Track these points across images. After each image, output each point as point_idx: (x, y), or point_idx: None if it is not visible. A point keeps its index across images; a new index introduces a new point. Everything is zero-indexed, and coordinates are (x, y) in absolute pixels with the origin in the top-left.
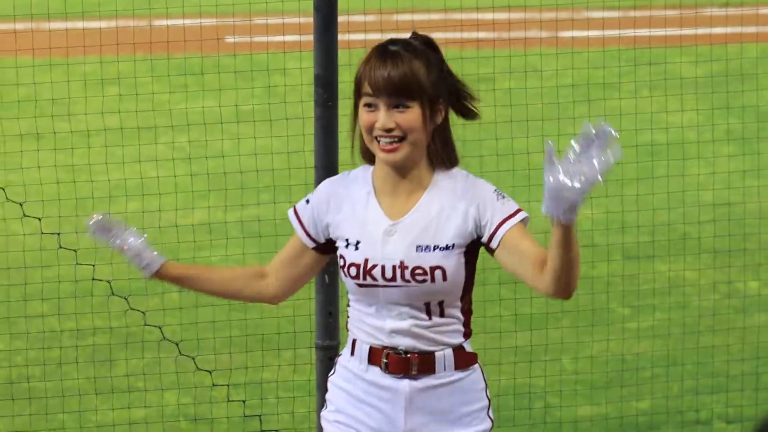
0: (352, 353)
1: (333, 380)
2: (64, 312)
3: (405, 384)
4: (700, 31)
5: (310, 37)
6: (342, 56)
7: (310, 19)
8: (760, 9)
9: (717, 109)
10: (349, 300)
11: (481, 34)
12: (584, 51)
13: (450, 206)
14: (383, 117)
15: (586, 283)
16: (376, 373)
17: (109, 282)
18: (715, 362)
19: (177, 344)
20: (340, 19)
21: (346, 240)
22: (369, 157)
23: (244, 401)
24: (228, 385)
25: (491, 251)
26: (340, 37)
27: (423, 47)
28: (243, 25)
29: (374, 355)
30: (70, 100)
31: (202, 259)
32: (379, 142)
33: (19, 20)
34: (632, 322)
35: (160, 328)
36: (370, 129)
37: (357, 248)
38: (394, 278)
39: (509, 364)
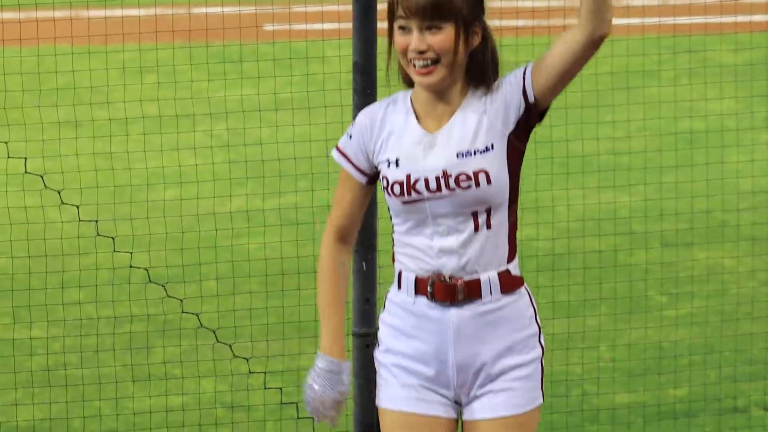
0: (399, 286)
1: (383, 318)
2: (102, 299)
3: (452, 313)
4: (740, 18)
5: (349, 25)
6: (381, 44)
7: (349, 7)
8: None
9: (756, 97)
10: (393, 228)
11: (520, 22)
12: (624, 38)
13: (481, 113)
14: (416, 39)
15: (624, 271)
16: (422, 304)
17: (146, 269)
18: (753, 349)
19: (214, 332)
20: (380, 7)
21: (387, 160)
22: (409, 81)
23: (281, 389)
24: (265, 373)
25: (542, 92)
26: (379, 25)
27: None
28: (282, 13)
29: (420, 285)
30: (108, 87)
31: (240, 247)
32: (414, 65)
33: (58, 8)
34: (670, 310)
35: (197, 316)
36: (405, 52)
37: (398, 165)
38: (439, 189)
39: (547, 351)
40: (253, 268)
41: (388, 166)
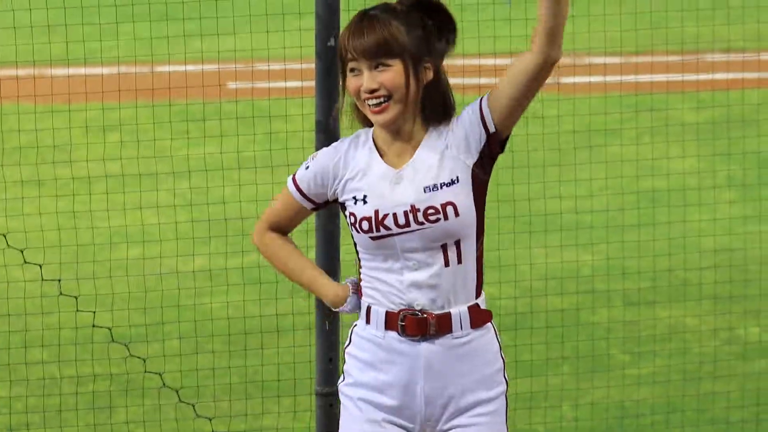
0: (368, 321)
1: (349, 351)
2: (65, 359)
3: (423, 347)
4: (702, 76)
5: (312, 83)
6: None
7: (312, 65)
8: (761, 55)
9: (718, 156)
10: (360, 263)
11: (483, 80)
12: (586, 97)
13: (443, 147)
14: (366, 79)
15: (587, 329)
16: (393, 339)
17: (109, 329)
18: (715, 409)
19: (177, 391)
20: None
21: (353, 197)
22: (367, 121)
23: None
24: None
25: (501, 120)
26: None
27: (407, 9)
28: (245, 71)
29: (390, 320)
30: (71, 146)
31: (203, 306)
32: (368, 105)
33: (21, 66)
34: (632, 369)
35: (160, 375)
36: (358, 93)
37: (365, 202)
38: (407, 224)
39: (509, 410)
40: (216, 327)
41: (355, 203)
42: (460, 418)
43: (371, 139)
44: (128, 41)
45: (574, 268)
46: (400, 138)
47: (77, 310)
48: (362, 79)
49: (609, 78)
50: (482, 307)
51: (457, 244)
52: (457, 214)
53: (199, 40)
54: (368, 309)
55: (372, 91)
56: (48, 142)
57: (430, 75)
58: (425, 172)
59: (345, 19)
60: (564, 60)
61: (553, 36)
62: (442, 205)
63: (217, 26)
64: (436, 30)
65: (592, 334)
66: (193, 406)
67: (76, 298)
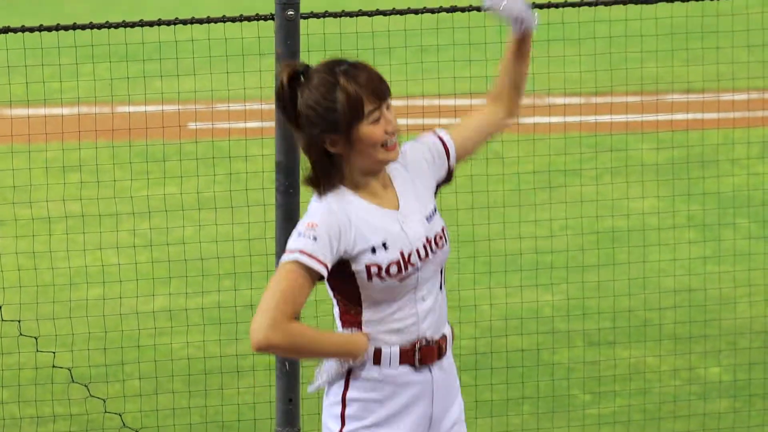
0: (376, 362)
1: (351, 395)
2: (25, 399)
3: (435, 371)
4: (662, 117)
5: (272, 124)
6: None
7: (272, 106)
8: (721, 95)
9: (678, 196)
10: (362, 319)
11: (443, 120)
12: (545, 137)
13: (411, 181)
14: (391, 119)
15: (547, 370)
16: (406, 373)
17: (69, 369)
18: None
19: (137, 431)
20: None
21: (372, 248)
22: (326, 186)
23: None
24: None
25: (459, 158)
26: None
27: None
28: (205, 112)
29: (405, 355)
30: (31, 186)
31: (163, 346)
32: (387, 145)
33: None
34: (593, 408)
35: (120, 416)
36: (382, 138)
37: (386, 248)
38: (427, 255)
39: None
40: (177, 367)
41: (374, 252)
42: (452, 429)
43: (353, 194)
44: (88, 82)
45: (535, 308)
46: (378, 180)
47: (37, 351)
48: (382, 123)
49: (569, 118)
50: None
51: (443, 267)
52: (448, 237)
53: (159, 81)
54: (377, 351)
55: (395, 131)
56: (8, 182)
57: None
58: (416, 206)
59: (304, 59)
60: (524, 100)
61: (520, 90)
62: (442, 229)
63: (177, 67)
64: None
65: (553, 374)
66: None
67: (36, 338)
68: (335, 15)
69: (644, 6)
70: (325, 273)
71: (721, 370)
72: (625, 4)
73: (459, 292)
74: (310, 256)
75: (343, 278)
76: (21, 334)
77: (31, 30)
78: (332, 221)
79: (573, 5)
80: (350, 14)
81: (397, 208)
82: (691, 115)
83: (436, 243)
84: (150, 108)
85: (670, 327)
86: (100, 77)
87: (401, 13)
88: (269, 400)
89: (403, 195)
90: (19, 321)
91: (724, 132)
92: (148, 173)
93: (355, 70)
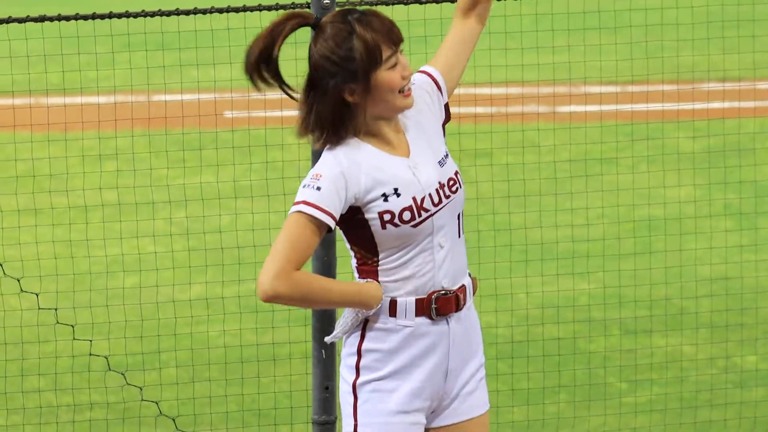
0: (392, 314)
1: (366, 346)
2: (62, 387)
3: (452, 322)
4: (698, 105)
5: None
6: None
7: None
8: (757, 84)
9: (714, 184)
10: (379, 264)
11: (479, 109)
12: (582, 126)
13: (419, 126)
14: (405, 64)
15: (583, 358)
16: (423, 324)
17: (106, 357)
18: None
19: (174, 419)
20: None
21: (383, 195)
22: (336, 140)
23: None
24: None
25: (450, 88)
26: None
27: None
28: (241, 100)
29: (421, 306)
30: (68, 175)
31: (200, 334)
32: (403, 91)
33: (18, 95)
34: (629, 397)
35: (156, 404)
36: (400, 83)
37: (398, 194)
38: (440, 200)
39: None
40: (213, 355)
41: (386, 199)
42: (468, 385)
43: (363, 143)
44: (125, 70)
45: (571, 297)
46: (390, 126)
47: (74, 339)
48: (400, 68)
49: (605, 107)
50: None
51: (462, 212)
52: (461, 180)
53: (196, 70)
54: (392, 302)
55: (410, 74)
56: (44, 170)
57: None
58: (430, 151)
59: None
60: (560, 89)
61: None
62: (455, 173)
63: (213, 55)
64: None
65: (589, 363)
66: None
67: (72, 326)
68: (371, 3)
69: None
70: (331, 222)
71: (757, 358)
72: None
73: (495, 281)
74: (314, 206)
75: (358, 227)
76: (58, 323)
77: (68, 18)
78: (338, 171)
79: None
80: (386, 2)
81: (409, 154)
82: (727, 104)
83: (449, 187)
84: (186, 96)
85: (707, 315)
86: (136, 66)
87: (437, 1)
88: (306, 388)
89: (414, 141)
90: (56, 309)
91: (760, 120)
92: (184, 162)
93: (369, 17)
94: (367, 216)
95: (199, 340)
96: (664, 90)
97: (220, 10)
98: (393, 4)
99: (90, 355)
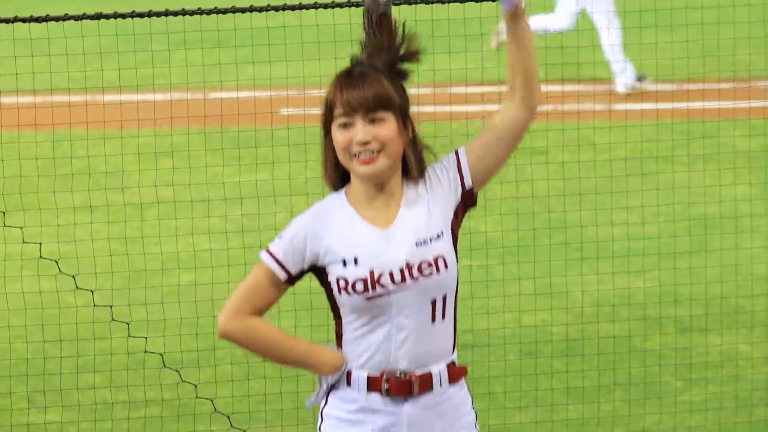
0: (348, 384)
1: (327, 412)
2: (117, 384)
3: (405, 407)
4: (754, 103)
5: None
6: None
7: None
8: None
9: None
10: (343, 329)
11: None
12: (638, 124)
13: (426, 202)
14: (361, 131)
15: (639, 356)
16: (375, 401)
17: (161, 354)
18: None
19: (228, 416)
20: None
21: (343, 260)
22: (337, 182)
23: None
24: None
25: (480, 177)
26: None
27: (383, 67)
28: (297, 98)
29: (373, 383)
30: (124, 172)
31: None
32: (357, 156)
33: (74, 93)
34: (685, 395)
35: (211, 401)
36: (347, 147)
37: (357, 264)
38: (403, 279)
39: None
40: None
41: (345, 265)
42: None
43: (347, 203)
44: (180, 68)
45: (626, 295)
46: (382, 194)
47: (129, 336)
48: (353, 132)
49: (661, 105)
50: (458, 363)
51: (444, 298)
52: (446, 266)
53: (252, 67)
54: (348, 373)
55: (365, 144)
56: (100, 168)
57: (411, 132)
58: (416, 228)
59: None
60: (539, 88)
61: (529, 78)
62: (434, 258)
63: (269, 53)
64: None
65: (645, 361)
66: (245, 431)
67: (128, 323)
68: (427, 1)
69: None
70: (282, 276)
71: None
72: None
73: (550, 279)
74: (274, 257)
75: (325, 287)
76: (113, 320)
77: (124, 16)
78: (303, 226)
79: None
80: (442, 0)
81: (388, 227)
82: None
83: (419, 270)
84: (242, 94)
85: (763, 314)
86: (192, 63)
87: (461, 0)
88: None
89: (404, 215)
90: (111, 306)
91: None
92: (240, 159)
93: (353, 75)
94: (329, 279)
95: None
96: (720, 88)
97: (276, 8)
98: (450, 2)
99: (145, 352)
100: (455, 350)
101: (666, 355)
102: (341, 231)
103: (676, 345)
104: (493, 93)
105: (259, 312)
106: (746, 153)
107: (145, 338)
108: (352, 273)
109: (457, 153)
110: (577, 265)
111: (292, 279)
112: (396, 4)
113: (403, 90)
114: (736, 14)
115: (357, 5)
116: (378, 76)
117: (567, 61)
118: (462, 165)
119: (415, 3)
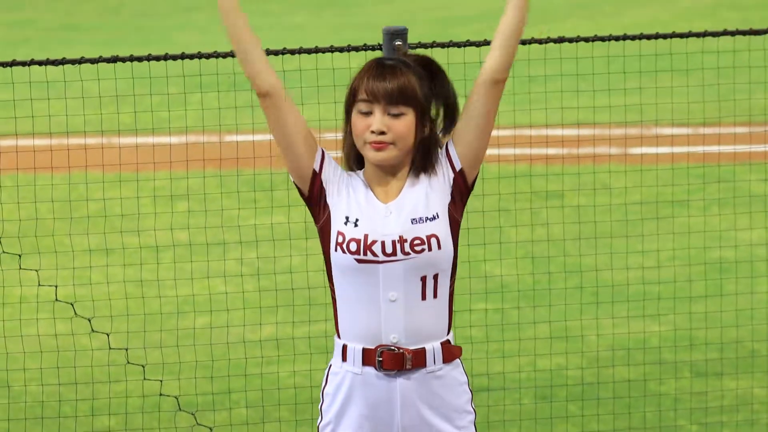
0: (344, 359)
1: (327, 391)
2: (132, 427)
3: (399, 381)
4: None
5: None
6: None
7: None
8: None
9: None
10: (336, 297)
11: (551, 151)
12: (653, 168)
13: (426, 187)
14: (378, 120)
15: (654, 400)
16: (370, 374)
17: (176, 397)
18: None
19: None
20: None
21: (346, 217)
22: (353, 164)
23: None
24: None
25: (466, 152)
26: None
27: (414, 63)
28: None
29: (367, 356)
30: (139, 215)
31: (270, 375)
32: (369, 142)
33: (90, 135)
34: None
35: None
36: (363, 133)
37: (356, 225)
38: (394, 252)
39: None
40: (284, 396)
41: (345, 223)
42: None
43: (360, 178)
44: (196, 111)
45: (642, 339)
46: (390, 175)
47: (144, 379)
48: (371, 121)
49: (676, 149)
50: (453, 343)
51: (435, 277)
52: (439, 246)
53: None
54: (344, 347)
55: (380, 133)
56: (116, 210)
57: (427, 130)
58: (413, 207)
59: None
60: (631, 131)
61: (514, 41)
62: (427, 236)
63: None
64: (435, 92)
65: (660, 405)
66: None
67: (143, 366)
68: (443, 45)
69: (752, 37)
70: (317, 157)
71: None
72: (733, 35)
73: (566, 323)
74: (324, 154)
75: (322, 246)
76: (128, 362)
77: (140, 59)
78: (342, 172)
79: (681, 36)
80: (458, 44)
81: (387, 203)
82: None
83: (411, 245)
84: (258, 137)
85: None
86: (208, 106)
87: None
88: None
89: (405, 194)
90: (126, 349)
91: None
92: (255, 202)
93: (382, 66)
94: (330, 231)
95: (270, 380)
96: (736, 132)
97: (293, 51)
98: (465, 46)
99: (160, 395)
100: (451, 332)
101: (681, 399)
102: (355, 193)
103: (691, 389)
104: (508, 136)
105: (274, 79)
106: (762, 197)
107: (161, 381)
108: (350, 232)
109: (446, 144)
110: (592, 309)
111: (312, 167)
112: (412, 48)
113: (429, 90)
114: (752, 59)
115: (372, 49)
116: (407, 72)
117: (582, 105)
118: (450, 151)
119: (432, 47)
